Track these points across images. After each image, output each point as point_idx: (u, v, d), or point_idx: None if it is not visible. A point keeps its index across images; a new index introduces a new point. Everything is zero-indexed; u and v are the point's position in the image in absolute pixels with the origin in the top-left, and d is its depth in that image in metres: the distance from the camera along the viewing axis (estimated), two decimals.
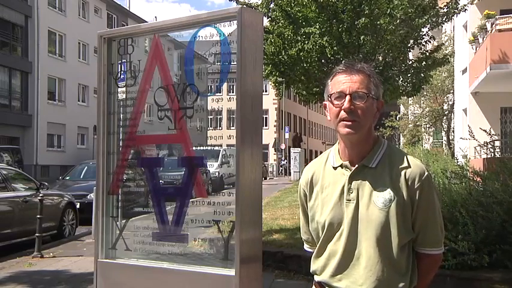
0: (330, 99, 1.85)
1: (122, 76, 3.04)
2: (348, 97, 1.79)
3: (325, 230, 1.87)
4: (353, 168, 1.85)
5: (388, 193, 1.78)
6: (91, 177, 12.80)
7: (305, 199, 2.01)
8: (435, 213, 1.85)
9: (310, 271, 1.99)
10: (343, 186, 1.85)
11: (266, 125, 50.23)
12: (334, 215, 1.84)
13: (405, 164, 1.83)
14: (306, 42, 10.62)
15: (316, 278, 1.96)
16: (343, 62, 1.99)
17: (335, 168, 1.90)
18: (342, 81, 1.83)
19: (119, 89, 3.05)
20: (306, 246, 2.14)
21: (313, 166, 2.01)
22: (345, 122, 1.80)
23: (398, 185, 1.80)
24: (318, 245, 1.93)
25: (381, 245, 1.77)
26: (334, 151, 1.94)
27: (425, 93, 22.12)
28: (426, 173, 1.84)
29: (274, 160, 48.40)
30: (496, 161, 7.66)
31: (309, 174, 1.99)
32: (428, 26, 11.47)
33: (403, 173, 1.81)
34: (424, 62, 12.00)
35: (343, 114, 1.80)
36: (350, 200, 1.83)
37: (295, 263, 6.17)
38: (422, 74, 12.08)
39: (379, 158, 1.85)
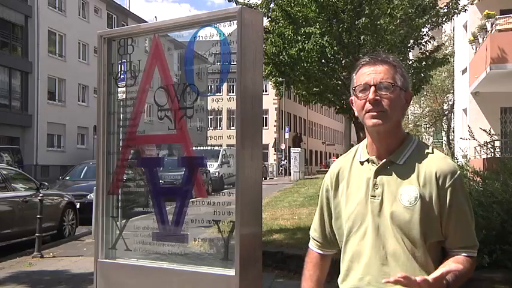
0: (354, 92, 1.79)
1: (122, 76, 3.04)
2: (372, 88, 1.72)
3: (347, 228, 1.80)
4: (380, 163, 1.78)
5: (414, 191, 1.71)
6: (91, 177, 12.79)
7: (326, 195, 1.94)
8: (467, 216, 1.76)
9: (338, 280, 1.87)
10: (369, 182, 1.78)
11: (266, 125, 50.21)
12: (358, 212, 1.78)
13: (435, 162, 1.75)
14: (306, 42, 10.63)
15: (341, 286, 1.84)
16: (367, 55, 1.90)
17: (362, 163, 1.84)
18: (367, 73, 1.76)
19: (119, 89, 3.05)
20: (312, 245, 2.04)
21: (341, 161, 1.94)
22: (371, 113, 1.72)
23: (426, 183, 1.72)
24: (342, 248, 1.85)
25: (407, 244, 1.70)
26: (363, 146, 1.87)
27: (425, 93, 22.13)
28: (458, 172, 1.76)
29: (274, 160, 48.40)
30: (496, 161, 7.66)
31: (336, 169, 1.92)
32: (429, 26, 11.48)
33: (433, 171, 1.73)
34: (424, 62, 12.02)
35: (368, 106, 1.73)
36: (375, 196, 1.75)
37: (295, 263, 6.17)
38: (422, 74, 12.09)
39: (408, 154, 1.78)
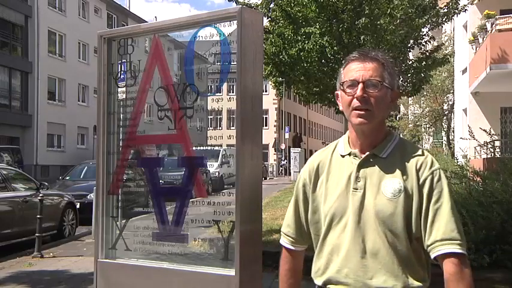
0: (342, 87, 1.78)
1: (122, 76, 3.04)
2: (360, 85, 1.72)
3: (327, 221, 1.78)
4: (363, 156, 1.77)
5: (398, 183, 1.71)
6: (91, 177, 12.79)
7: (304, 189, 1.91)
8: (447, 208, 1.68)
9: (312, 275, 1.86)
10: (351, 175, 1.77)
11: (266, 125, 50.21)
12: (339, 205, 1.76)
13: (417, 156, 1.76)
14: (306, 42, 10.63)
15: (318, 281, 1.82)
16: (356, 50, 1.92)
17: (343, 156, 1.83)
18: (355, 69, 1.76)
19: (119, 89, 3.05)
20: (285, 241, 1.98)
21: (320, 155, 1.92)
22: (357, 112, 1.73)
23: (408, 177, 1.72)
24: (319, 241, 1.83)
25: (389, 237, 1.69)
26: (344, 140, 1.87)
27: (425, 93, 22.10)
28: (436, 166, 1.76)
29: (274, 160, 48.40)
30: (496, 161, 7.67)
31: (315, 163, 1.90)
32: (429, 26, 11.48)
33: (413, 163, 1.74)
34: (424, 62, 12.01)
35: (355, 102, 1.73)
36: (357, 189, 1.74)
37: None
38: (422, 74, 12.09)
39: (391, 148, 1.79)
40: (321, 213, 1.83)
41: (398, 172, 1.73)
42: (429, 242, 1.68)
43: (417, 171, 1.73)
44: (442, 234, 1.66)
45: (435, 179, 1.73)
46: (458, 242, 1.66)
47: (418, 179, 1.72)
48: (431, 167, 1.74)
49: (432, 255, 1.69)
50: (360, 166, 1.77)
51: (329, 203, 1.79)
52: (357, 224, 1.72)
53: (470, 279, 1.67)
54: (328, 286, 1.78)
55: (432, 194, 1.71)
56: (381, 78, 1.75)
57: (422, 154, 1.78)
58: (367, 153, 1.78)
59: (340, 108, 1.83)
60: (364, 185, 1.74)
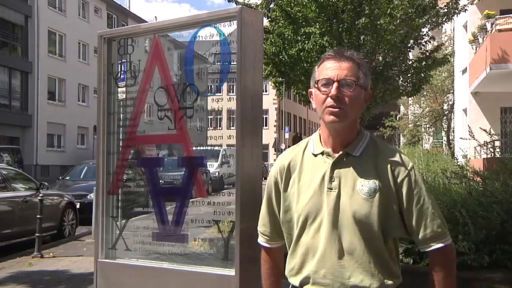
0: (316, 85, 1.78)
1: (122, 76, 3.04)
2: (335, 84, 1.73)
3: (301, 221, 1.77)
4: (336, 156, 1.77)
5: (373, 182, 1.71)
6: (91, 177, 12.79)
7: (275, 188, 1.89)
8: (429, 205, 1.75)
9: (285, 273, 1.85)
10: (324, 174, 1.76)
11: (266, 125, 50.22)
12: (313, 204, 1.75)
13: (390, 155, 1.77)
14: (306, 42, 10.62)
15: (293, 280, 1.81)
16: (332, 49, 1.92)
17: (315, 155, 1.82)
18: (330, 68, 1.76)
19: (119, 89, 3.05)
20: (262, 240, 1.98)
21: (291, 153, 1.91)
22: (330, 109, 1.73)
23: (383, 176, 1.73)
24: (293, 241, 1.82)
25: (365, 236, 1.70)
26: (315, 138, 1.86)
27: (425, 93, 22.10)
28: (411, 164, 1.78)
29: (274, 160, 48.25)
30: (496, 161, 7.66)
31: (286, 161, 1.88)
32: (429, 26, 11.48)
33: (388, 164, 1.74)
34: (424, 62, 12.00)
35: (329, 101, 1.73)
36: (331, 189, 1.74)
37: None
38: (422, 74, 12.07)
39: (363, 147, 1.79)
40: (293, 212, 1.82)
41: (372, 171, 1.74)
42: (418, 239, 1.76)
43: (392, 171, 1.75)
44: (430, 232, 1.74)
45: (412, 180, 1.75)
46: (444, 234, 1.77)
47: (395, 179, 1.74)
48: (406, 167, 1.76)
49: (422, 250, 1.78)
50: (334, 166, 1.77)
51: (302, 202, 1.78)
52: (332, 224, 1.73)
53: (453, 265, 1.79)
54: (304, 287, 1.78)
55: (412, 195, 1.74)
56: (355, 78, 1.75)
57: (394, 153, 1.79)
58: (340, 152, 1.78)
59: (313, 106, 1.83)
60: (339, 184, 1.75)
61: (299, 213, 1.79)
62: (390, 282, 1.73)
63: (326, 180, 1.76)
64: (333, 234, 1.72)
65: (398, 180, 1.74)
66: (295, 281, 1.82)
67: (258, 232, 2.00)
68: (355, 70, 1.76)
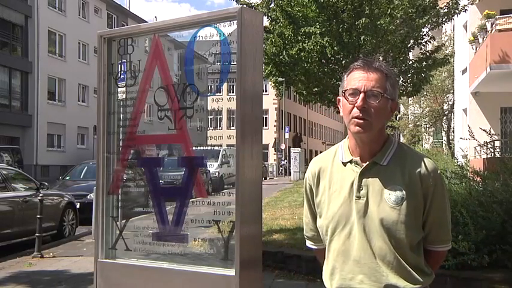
0: (344, 94, 1.81)
1: (122, 76, 3.04)
2: (362, 95, 1.75)
3: (331, 228, 1.83)
4: (364, 165, 1.81)
5: (400, 191, 1.76)
6: (91, 177, 12.80)
7: (311, 194, 1.96)
8: (447, 212, 1.85)
9: (323, 277, 1.92)
10: (353, 183, 1.81)
11: (266, 125, 50.22)
12: (343, 212, 1.80)
13: (417, 162, 1.81)
14: (306, 42, 10.63)
15: (329, 285, 1.87)
16: (361, 58, 1.93)
17: (344, 164, 1.86)
18: (358, 78, 1.79)
19: (119, 89, 3.05)
20: (310, 243, 2.07)
21: (321, 160, 1.96)
22: (356, 120, 1.76)
23: (410, 184, 1.77)
24: (326, 246, 1.89)
25: (394, 243, 1.75)
26: (344, 146, 1.89)
27: (425, 93, 22.10)
28: (438, 171, 1.83)
29: (274, 160, 48.39)
30: (496, 161, 7.66)
31: (316, 167, 1.93)
32: (429, 26, 11.49)
33: (415, 171, 1.78)
34: (424, 62, 12.02)
35: (355, 111, 1.76)
36: (360, 197, 1.79)
37: (295, 263, 6.17)
38: (422, 74, 12.10)
39: (390, 155, 1.82)
40: (324, 219, 1.87)
41: (400, 179, 1.78)
42: (429, 242, 1.86)
43: (420, 179, 1.79)
44: (439, 237, 1.87)
45: (438, 187, 1.82)
46: (448, 241, 1.91)
47: (422, 187, 1.78)
48: (433, 174, 1.81)
49: (427, 248, 1.87)
50: (362, 175, 1.81)
51: (333, 210, 1.83)
52: (362, 231, 1.77)
53: (442, 260, 1.99)
54: None
55: (435, 203, 1.82)
56: (382, 90, 1.78)
57: (422, 159, 1.83)
58: (368, 162, 1.82)
59: (341, 114, 1.87)
60: (367, 193, 1.79)
61: (329, 220, 1.84)
62: (422, 280, 1.80)
63: (354, 188, 1.81)
64: (364, 241, 1.78)
65: (425, 187, 1.79)
66: (329, 285, 1.88)
67: (305, 237, 2.08)
68: (383, 81, 1.79)
